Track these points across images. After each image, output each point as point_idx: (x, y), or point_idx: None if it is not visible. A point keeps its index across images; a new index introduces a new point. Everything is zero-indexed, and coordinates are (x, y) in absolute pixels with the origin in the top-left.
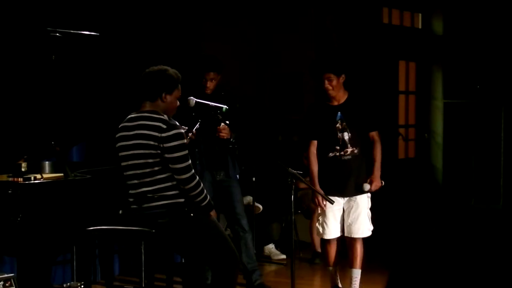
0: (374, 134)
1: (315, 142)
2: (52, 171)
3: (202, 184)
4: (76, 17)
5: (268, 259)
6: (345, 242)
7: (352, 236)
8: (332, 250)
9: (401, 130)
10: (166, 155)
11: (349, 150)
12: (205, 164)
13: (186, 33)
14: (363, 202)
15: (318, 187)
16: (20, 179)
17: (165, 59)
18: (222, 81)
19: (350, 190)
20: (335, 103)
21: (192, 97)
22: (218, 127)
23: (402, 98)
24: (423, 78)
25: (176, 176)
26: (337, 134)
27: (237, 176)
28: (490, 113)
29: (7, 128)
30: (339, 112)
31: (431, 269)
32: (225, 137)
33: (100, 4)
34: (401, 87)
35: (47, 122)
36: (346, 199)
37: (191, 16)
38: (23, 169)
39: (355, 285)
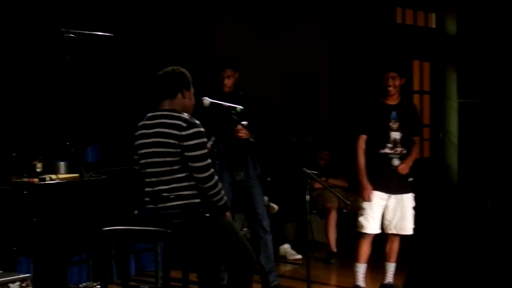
0: (417, 138)
1: (365, 137)
2: (67, 172)
3: (220, 184)
4: (89, 18)
5: (284, 259)
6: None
7: (399, 233)
8: (368, 246)
9: None
10: (186, 154)
11: (399, 150)
12: (224, 165)
13: (199, 33)
14: (409, 201)
15: (365, 181)
16: (36, 180)
17: (178, 59)
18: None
19: (397, 188)
20: (390, 102)
21: (206, 98)
22: (235, 128)
23: (416, 98)
24: (437, 77)
25: (195, 175)
26: (389, 132)
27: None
28: (505, 112)
29: (22, 129)
30: (393, 112)
31: (446, 269)
32: (243, 137)
33: (113, 5)
34: (415, 87)
35: (62, 123)
36: (391, 196)
37: (204, 16)
38: (38, 170)
39: (390, 277)
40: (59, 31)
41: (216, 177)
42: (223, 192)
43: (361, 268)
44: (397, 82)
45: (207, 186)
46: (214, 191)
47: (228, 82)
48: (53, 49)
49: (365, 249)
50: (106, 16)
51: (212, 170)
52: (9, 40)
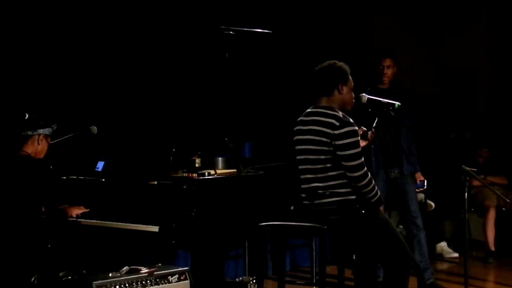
0: None
1: None
2: (225, 167)
3: (373, 181)
4: (248, 15)
5: (440, 257)
6: None
7: None
8: None
9: None
10: (338, 153)
11: None
12: (381, 162)
13: (358, 28)
14: None
15: None
16: (195, 175)
17: (337, 55)
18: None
19: None
20: None
21: (364, 94)
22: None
23: None
24: None
25: (348, 174)
26: None
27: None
28: None
29: (182, 125)
30: None
31: None
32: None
33: (272, 2)
34: None
35: (221, 119)
36: None
37: (363, 11)
38: (197, 165)
39: None
40: (219, 28)
41: (369, 175)
42: (376, 187)
43: None
44: None
45: (361, 185)
46: (368, 188)
47: (388, 71)
48: (213, 47)
49: None
50: (264, 13)
51: (365, 168)
52: (169, 38)
